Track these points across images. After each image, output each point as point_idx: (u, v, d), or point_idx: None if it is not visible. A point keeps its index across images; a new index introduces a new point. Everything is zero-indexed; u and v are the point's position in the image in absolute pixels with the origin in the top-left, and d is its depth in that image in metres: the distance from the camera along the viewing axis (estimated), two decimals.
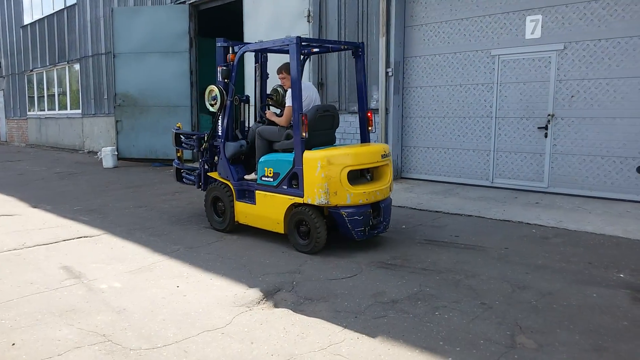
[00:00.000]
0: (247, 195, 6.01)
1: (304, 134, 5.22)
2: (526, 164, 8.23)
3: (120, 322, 3.74)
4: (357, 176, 5.46)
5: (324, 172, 5.12)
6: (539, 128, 8.02)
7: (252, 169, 6.19)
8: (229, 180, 6.10)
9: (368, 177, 5.54)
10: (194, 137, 6.75)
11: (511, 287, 4.36)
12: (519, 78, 8.19)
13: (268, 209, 5.68)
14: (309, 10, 10.50)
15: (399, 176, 9.72)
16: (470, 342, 3.40)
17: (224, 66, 6.12)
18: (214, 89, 6.15)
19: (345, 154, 5.28)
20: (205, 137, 6.53)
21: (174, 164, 7.28)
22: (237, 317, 3.80)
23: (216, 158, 6.43)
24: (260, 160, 5.77)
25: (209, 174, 6.58)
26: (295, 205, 5.41)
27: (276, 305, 4.01)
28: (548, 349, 3.29)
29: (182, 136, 6.99)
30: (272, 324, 3.69)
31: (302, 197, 5.27)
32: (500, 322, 3.68)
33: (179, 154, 7.23)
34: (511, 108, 8.32)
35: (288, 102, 5.63)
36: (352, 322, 3.70)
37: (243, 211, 5.99)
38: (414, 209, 7.38)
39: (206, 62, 13.92)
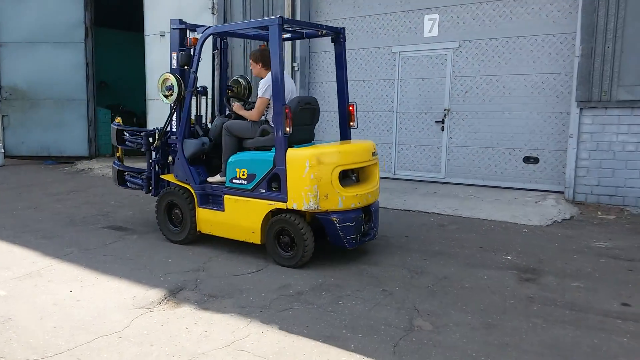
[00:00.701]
0: (212, 200, 5.27)
1: (287, 130, 4.59)
2: (425, 156, 8.63)
3: (4, 333, 3.45)
4: (341, 177, 4.76)
5: (314, 173, 4.52)
6: (436, 122, 8.43)
7: (215, 170, 5.42)
8: (188, 184, 5.34)
9: (353, 177, 5.04)
10: (142, 133, 5.91)
11: (410, 273, 4.55)
12: (418, 74, 8.55)
13: (240, 216, 4.98)
14: (213, 2, 10.27)
15: None
16: (371, 328, 3.51)
17: (182, 51, 5.36)
18: (169, 78, 5.37)
19: (337, 152, 4.74)
20: (157, 134, 5.73)
21: (113, 165, 6.41)
22: (135, 320, 3.64)
23: (170, 158, 5.63)
24: (229, 160, 5.07)
25: (162, 176, 5.78)
26: (275, 212, 4.79)
27: (179, 305, 3.89)
28: (443, 330, 3.47)
29: (125, 133, 6.15)
30: (174, 324, 3.58)
31: (286, 201, 4.65)
32: (400, 307, 3.83)
33: (118, 154, 6.39)
34: (411, 103, 8.68)
35: (260, 92, 5.00)
36: (257, 317, 3.68)
37: (207, 219, 5.24)
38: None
39: (103, 53, 13.21)
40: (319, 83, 9.67)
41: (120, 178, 6.35)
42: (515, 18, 7.71)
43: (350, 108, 5.46)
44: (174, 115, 5.55)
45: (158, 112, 10.91)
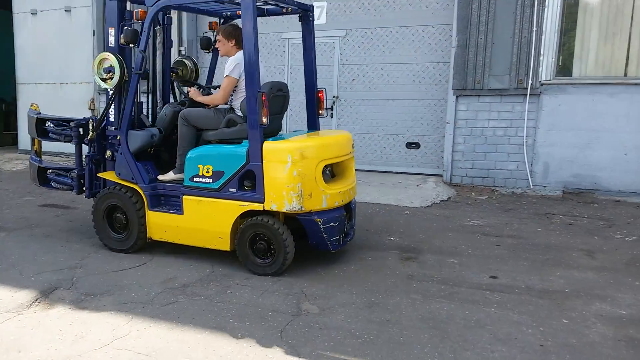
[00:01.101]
0: (166, 202, 4.63)
1: (264, 120, 4.08)
2: None
3: None
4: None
5: (297, 169, 4.05)
6: (326, 109, 8.57)
7: (165, 166, 4.77)
8: (135, 183, 4.61)
9: (327, 172, 4.55)
10: (71, 123, 5.00)
11: (299, 259, 4.60)
12: None
13: (204, 220, 4.37)
14: None
15: None
16: (259, 315, 3.51)
17: (127, 26, 4.60)
18: (108, 58, 4.62)
19: (321, 145, 4.31)
20: (91, 124, 4.88)
21: (31, 160, 5.44)
22: (1, 325, 3.34)
23: (109, 153, 4.83)
24: (188, 155, 4.43)
25: (99, 174, 4.96)
26: (246, 214, 4.26)
27: (52, 306, 3.62)
28: (329, 312, 3.57)
29: (48, 123, 5.18)
30: (46, 326, 3.33)
31: (262, 202, 4.13)
32: (288, 293, 3.87)
33: (35, 148, 5.43)
34: (301, 90, 8.70)
35: (228, 71, 4.46)
36: (139, 313, 3.52)
37: (161, 224, 4.57)
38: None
39: None
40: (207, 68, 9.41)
41: (42, 177, 5.38)
42: (398, 9, 8.03)
43: (320, 94, 5.03)
44: (113, 103, 4.79)
45: (31, 98, 10.01)
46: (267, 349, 3.08)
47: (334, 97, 8.46)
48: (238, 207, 4.23)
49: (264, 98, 4.09)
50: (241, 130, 4.34)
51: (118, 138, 4.71)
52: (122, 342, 3.14)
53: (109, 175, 4.84)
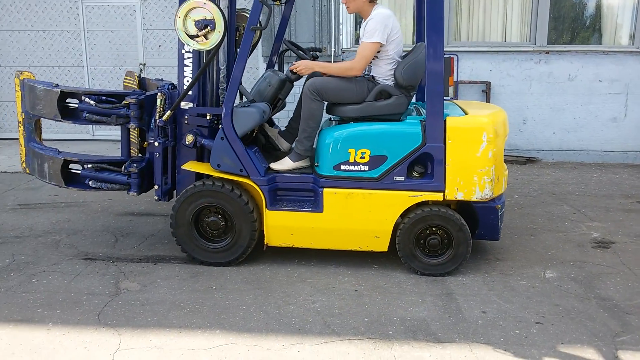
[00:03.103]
0: (287, 198, 3.74)
1: (450, 90, 3.39)
2: None
3: None
4: None
5: (492, 149, 3.41)
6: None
7: (271, 153, 3.88)
8: (245, 176, 3.62)
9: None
10: (128, 98, 3.66)
11: (115, 236, 4.35)
12: (107, 26, 7.96)
13: (355, 217, 3.57)
14: None
15: None
16: (72, 300, 3.26)
17: None
18: (205, 7, 3.36)
19: (504, 120, 3.69)
20: (160, 99, 3.64)
21: (39, 151, 3.91)
22: None
23: (190, 137, 3.67)
24: (333, 136, 3.54)
25: (185, 167, 3.77)
26: (416, 206, 3.54)
27: None
28: (151, 287, 3.46)
29: (85, 98, 3.70)
30: None
31: (442, 190, 3.46)
32: (104, 274, 3.65)
33: (38, 134, 3.95)
34: (102, 57, 8.07)
35: (369, 36, 3.57)
36: None
37: (285, 225, 3.66)
38: (4, 172, 6.44)
39: None
40: None
41: (69, 173, 3.91)
42: None
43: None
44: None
45: None
46: (83, 334, 2.89)
47: (140, 64, 7.95)
48: (407, 199, 3.51)
49: (452, 63, 3.54)
50: (396, 105, 3.63)
51: (208, 117, 3.73)
52: None
53: (200, 168, 3.74)
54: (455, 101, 4.07)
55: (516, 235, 4.35)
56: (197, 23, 3.41)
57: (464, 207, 3.66)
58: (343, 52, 7.49)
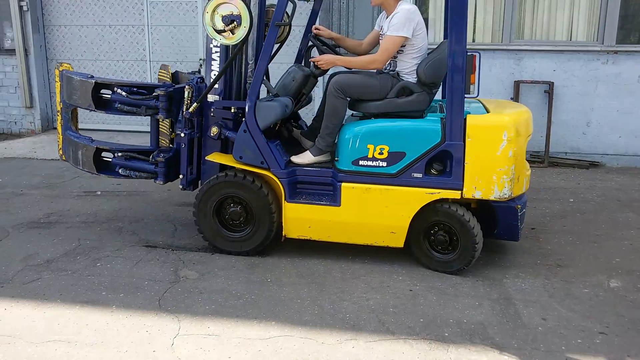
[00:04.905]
0: (307, 191, 3.79)
1: (473, 87, 3.42)
2: None
3: None
4: None
5: (513, 149, 3.38)
6: (192, 72, 8.25)
7: (287, 146, 3.93)
8: (265, 169, 3.70)
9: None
10: (157, 90, 3.80)
11: (174, 226, 4.48)
12: (169, 21, 8.19)
13: (371, 212, 3.61)
14: None
15: (50, 127, 8.71)
16: (134, 285, 3.39)
17: None
18: (232, 2, 3.45)
19: (527, 119, 3.65)
20: (188, 92, 3.79)
21: (75, 139, 4.13)
22: None
23: (215, 130, 3.80)
24: (353, 131, 3.58)
25: (209, 157, 3.89)
26: (433, 203, 3.55)
27: None
28: (209, 276, 3.54)
29: (117, 89, 3.86)
30: None
31: (460, 189, 3.45)
32: (165, 261, 3.77)
33: (74, 122, 4.17)
34: (164, 52, 8.31)
35: (395, 29, 3.58)
36: None
37: (303, 218, 3.72)
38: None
39: None
40: (57, 27, 8.52)
41: (100, 161, 4.11)
42: None
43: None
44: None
45: None
46: (145, 318, 3.00)
47: (200, 59, 8.14)
48: (424, 196, 3.50)
49: (475, 60, 3.52)
50: (418, 101, 3.63)
51: (233, 110, 3.83)
52: None
53: (223, 160, 3.84)
54: (480, 99, 4.00)
55: (578, 242, 4.19)
56: (224, 18, 3.49)
57: (484, 207, 3.63)
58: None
